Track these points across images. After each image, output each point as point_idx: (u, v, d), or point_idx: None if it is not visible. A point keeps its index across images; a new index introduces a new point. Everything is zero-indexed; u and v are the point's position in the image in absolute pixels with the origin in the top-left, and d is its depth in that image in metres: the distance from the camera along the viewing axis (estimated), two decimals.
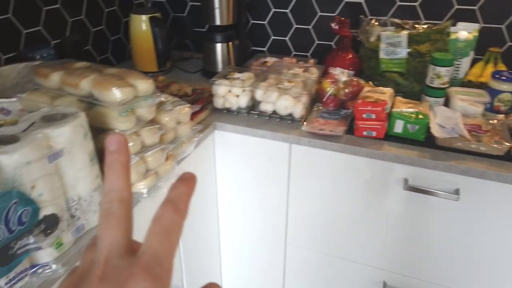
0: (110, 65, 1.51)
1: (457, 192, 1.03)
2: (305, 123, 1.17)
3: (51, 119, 0.70)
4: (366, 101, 1.08)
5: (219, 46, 1.51)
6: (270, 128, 1.17)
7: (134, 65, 1.57)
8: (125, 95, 0.78)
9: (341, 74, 1.23)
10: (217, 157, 1.31)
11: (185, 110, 0.99)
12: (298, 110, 1.18)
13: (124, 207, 0.23)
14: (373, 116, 1.07)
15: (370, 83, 1.27)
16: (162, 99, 0.90)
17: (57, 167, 0.67)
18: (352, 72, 1.33)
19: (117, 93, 0.78)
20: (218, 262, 1.53)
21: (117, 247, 0.22)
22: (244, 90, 1.24)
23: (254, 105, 1.25)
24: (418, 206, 1.11)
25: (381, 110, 1.06)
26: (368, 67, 1.34)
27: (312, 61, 1.50)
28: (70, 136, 0.68)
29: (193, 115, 1.16)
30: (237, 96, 1.24)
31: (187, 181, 0.25)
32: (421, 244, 1.17)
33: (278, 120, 1.21)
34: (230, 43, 1.51)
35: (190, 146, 1.04)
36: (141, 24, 1.48)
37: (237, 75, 1.29)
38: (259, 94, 1.20)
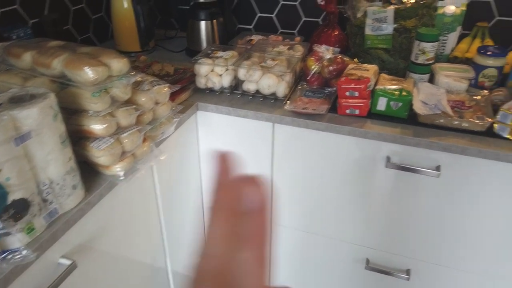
0: (92, 45, 1.48)
1: (438, 168, 1.02)
2: (288, 102, 1.15)
3: (19, 100, 0.68)
4: (349, 79, 1.06)
5: (203, 24, 1.47)
6: (253, 108, 1.16)
7: (116, 45, 1.53)
8: (97, 74, 0.76)
9: (326, 52, 1.21)
10: (200, 137, 1.29)
11: (164, 90, 0.97)
12: (281, 89, 1.16)
13: None
14: (356, 93, 1.05)
15: (356, 60, 1.25)
16: (138, 78, 0.88)
17: (26, 150, 0.66)
18: (338, 50, 1.30)
19: (89, 73, 0.75)
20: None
21: None
22: (227, 69, 1.21)
23: (237, 84, 1.23)
24: (401, 183, 1.11)
25: (364, 87, 1.04)
26: (354, 44, 1.31)
27: (298, 38, 1.47)
28: (38, 118, 0.66)
29: (175, 96, 1.14)
30: (220, 75, 1.22)
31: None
32: (404, 221, 1.18)
33: (261, 99, 1.20)
34: (215, 20, 1.47)
35: (170, 127, 1.03)
36: (123, 1, 1.44)
37: (220, 53, 1.26)
38: (241, 73, 1.18)
